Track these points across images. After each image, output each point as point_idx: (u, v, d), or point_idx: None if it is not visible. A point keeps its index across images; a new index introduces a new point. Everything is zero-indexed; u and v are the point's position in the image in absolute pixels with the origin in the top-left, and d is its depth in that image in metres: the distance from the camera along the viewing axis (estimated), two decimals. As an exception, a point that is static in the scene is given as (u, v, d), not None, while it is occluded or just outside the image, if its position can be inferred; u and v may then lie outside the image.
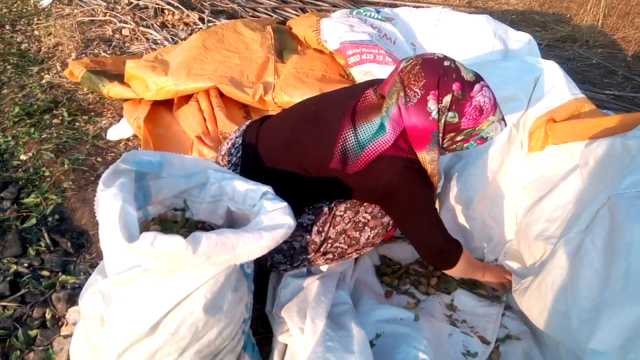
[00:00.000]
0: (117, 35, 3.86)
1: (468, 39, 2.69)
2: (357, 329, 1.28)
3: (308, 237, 1.49)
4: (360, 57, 2.56)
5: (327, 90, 2.53)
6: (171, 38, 3.62)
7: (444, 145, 1.42)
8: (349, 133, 1.40)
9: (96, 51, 3.62)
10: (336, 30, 2.73)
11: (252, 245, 1.09)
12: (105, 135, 2.66)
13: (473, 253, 1.92)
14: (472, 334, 1.55)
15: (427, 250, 1.47)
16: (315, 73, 2.66)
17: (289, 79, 2.60)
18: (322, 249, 1.50)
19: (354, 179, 1.40)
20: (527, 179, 1.91)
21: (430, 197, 1.43)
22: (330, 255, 1.52)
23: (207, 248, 1.04)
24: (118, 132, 2.64)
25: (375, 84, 1.50)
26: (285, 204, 1.21)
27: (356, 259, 1.74)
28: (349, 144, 1.39)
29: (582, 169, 1.58)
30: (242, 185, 1.32)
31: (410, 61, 1.38)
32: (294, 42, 2.93)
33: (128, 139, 2.65)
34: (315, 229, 1.48)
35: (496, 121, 1.39)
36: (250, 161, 1.56)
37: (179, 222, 1.36)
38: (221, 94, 2.57)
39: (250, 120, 1.71)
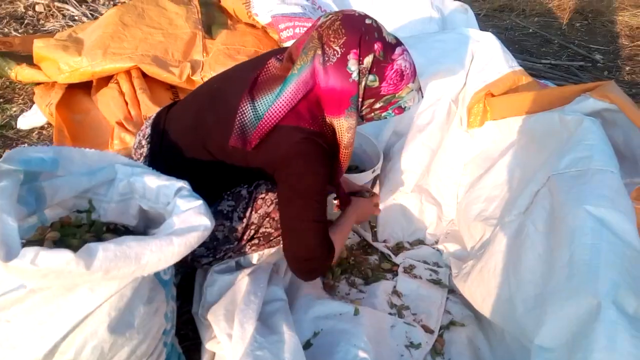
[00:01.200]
0: (30, 12, 3.50)
1: (405, 9, 2.58)
2: (290, 333, 1.18)
3: (229, 225, 1.36)
4: (294, 31, 2.40)
5: (260, 68, 2.42)
6: (90, 14, 3.33)
7: (362, 113, 1.31)
8: (246, 107, 1.27)
9: (6, 30, 3.27)
10: (267, 2, 2.56)
11: (161, 253, 0.95)
12: (16, 124, 2.39)
13: (414, 234, 1.86)
14: (415, 323, 1.48)
15: (296, 251, 1.29)
16: (247, 49, 2.49)
17: (219, 57, 2.42)
18: (245, 236, 1.38)
19: (256, 156, 1.28)
20: (467, 156, 1.85)
21: (325, 183, 1.27)
22: (256, 241, 1.41)
23: (105, 261, 0.89)
24: (30, 120, 2.38)
25: (280, 52, 1.37)
26: (200, 201, 1.07)
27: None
28: (246, 119, 1.26)
29: (520, 145, 1.53)
30: (154, 181, 1.16)
31: (330, 16, 1.26)
32: (223, 16, 2.73)
33: (42, 127, 2.40)
34: (236, 215, 1.36)
35: (415, 90, 1.29)
36: (157, 151, 1.41)
37: (83, 225, 1.20)
38: (145, 75, 2.36)
39: (161, 108, 1.54)
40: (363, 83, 1.23)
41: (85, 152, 1.20)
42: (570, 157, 1.19)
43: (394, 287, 1.64)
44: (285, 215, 1.29)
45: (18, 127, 2.37)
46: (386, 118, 1.35)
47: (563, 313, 0.99)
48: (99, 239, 1.18)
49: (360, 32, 1.21)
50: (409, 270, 1.71)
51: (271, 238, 1.41)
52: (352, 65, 1.20)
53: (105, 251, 0.90)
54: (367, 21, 1.24)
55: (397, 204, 1.85)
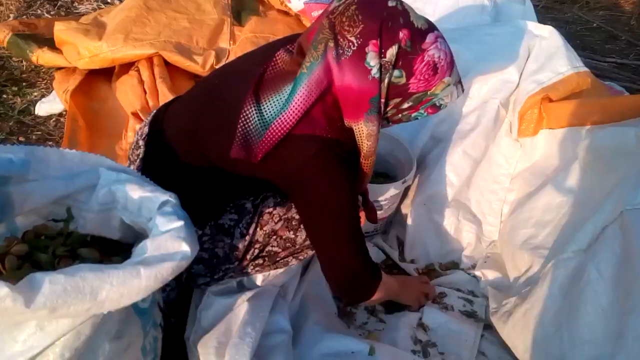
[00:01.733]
0: (64, -7, 3.44)
1: (453, -3, 2.31)
2: (286, 382, 0.99)
3: (230, 242, 1.18)
4: (328, 20, 2.20)
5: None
6: (123, -4, 3.20)
7: (387, 115, 1.11)
8: (251, 111, 1.07)
9: (39, 12, 3.21)
10: (301, -13, 2.36)
11: (124, 288, 0.78)
12: (35, 109, 2.30)
13: (448, 256, 1.63)
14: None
15: (337, 272, 1.14)
16: (276, 38, 2.29)
17: (246, 45, 2.24)
18: (248, 255, 1.20)
19: (263, 168, 1.09)
20: (516, 169, 1.60)
21: (354, 196, 1.11)
22: (261, 261, 1.22)
23: (51, 297, 0.73)
24: (48, 106, 2.28)
25: (291, 41, 1.15)
26: (181, 223, 0.89)
27: (307, 266, 1.44)
28: (251, 125, 1.07)
29: (583, 163, 1.27)
30: (136, 192, 0.99)
31: (344, 0, 1.05)
32: (254, 1, 2.55)
33: (60, 115, 2.29)
34: (238, 231, 1.18)
35: (452, 84, 1.08)
36: (153, 156, 1.24)
37: (58, 237, 1.04)
38: (167, 63, 2.21)
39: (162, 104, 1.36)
40: (386, 80, 1.02)
41: (64, 154, 1.04)
42: (651, 189, 0.94)
43: (420, 318, 1.42)
44: (317, 237, 1.11)
45: (36, 113, 2.28)
46: (417, 119, 1.14)
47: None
48: (75, 254, 1.02)
49: (382, 17, 0.99)
50: (438, 299, 1.48)
51: (277, 259, 1.22)
52: (372, 60, 0.99)
53: (53, 284, 0.73)
54: (390, 3, 1.02)
55: (430, 220, 1.62)
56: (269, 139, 1.04)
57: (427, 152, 1.69)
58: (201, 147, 1.14)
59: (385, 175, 1.73)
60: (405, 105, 1.09)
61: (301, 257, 1.26)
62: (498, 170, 1.63)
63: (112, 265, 0.79)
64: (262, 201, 1.19)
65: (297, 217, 1.20)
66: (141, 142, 1.26)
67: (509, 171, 1.62)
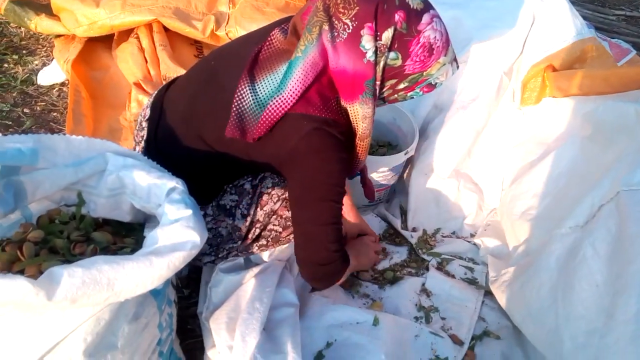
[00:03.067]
0: (58, -48, 3.32)
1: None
2: (293, 355, 1.04)
3: (232, 222, 1.21)
4: (329, -19, 2.14)
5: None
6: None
7: (384, 95, 1.11)
8: (245, 90, 1.07)
9: (33, -28, 3.12)
10: (302, -54, 2.28)
11: (138, 278, 0.82)
12: (37, 79, 2.29)
13: (449, 224, 1.66)
14: (444, 332, 1.33)
15: (310, 255, 1.14)
16: (277, 0, 2.25)
17: (246, 9, 2.20)
18: (250, 235, 1.23)
19: (259, 148, 1.10)
20: (518, 138, 1.61)
21: (343, 180, 1.10)
22: (264, 241, 1.26)
23: (71, 289, 0.77)
24: (50, 75, 2.27)
25: (286, 21, 1.14)
26: (190, 212, 0.92)
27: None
28: (245, 105, 1.07)
29: (583, 135, 1.28)
30: (144, 178, 1.02)
31: None
32: (253, -39, 2.47)
33: (62, 84, 2.28)
34: (239, 212, 1.21)
35: (448, 63, 1.07)
36: (153, 138, 1.25)
37: (70, 222, 1.08)
38: (167, 29, 2.18)
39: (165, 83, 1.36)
40: (382, 63, 1.02)
41: (70, 140, 1.06)
42: (647, 170, 0.96)
43: (423, 284, 1.48)
44: (299, 217, 1.12)
45: (38, 82, 2.27)
46: (413, 98, 1.14)
47: (622, 378, 0.81)
48: (88, 238, 1.06)
49: (376, 0, 0.98)
50: (442, 266, 1.53)
51: (280, 238, 1.26)
52: (367, 43, 0.99)
53: (71, 277, 0.77)
54: None
55: (431, 189, 1.65)
56: (265, 120, 1.05)
57: (429, 121, 1.69)
58: (197, 129, 1.16)
59: (388, 145, 1.74)
60: (401, 86, 1.08)
61: None
62: (500, 139, 1.64)
63: (126, 257, 0.83)
64: (260, 182, 1.21)
65: None
66: (144, 124, 1.27)
67: (511, 140, 1.63)
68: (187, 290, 1.44)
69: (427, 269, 1.53)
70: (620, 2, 3.35)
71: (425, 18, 1.01)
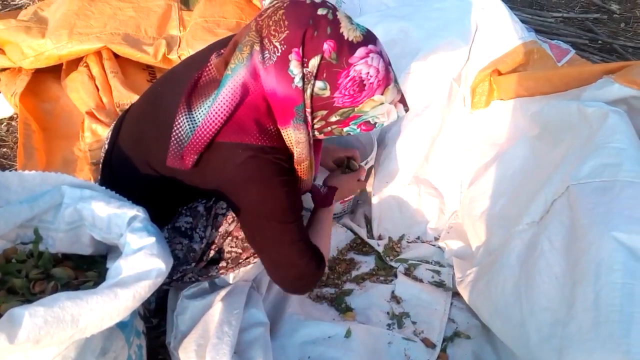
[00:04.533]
0: (-2, -16, 3.25)
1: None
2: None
3: (188, 243, 1.19)
4: (278, -1, 2.17)
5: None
6: (62, -17, 3.04)
7: (316, 126, 1.07)
8: (182, 119, 1.05)
9: (-28, 5, 3.03)
10: (248, -34, 2.30)
11: (104, 311, 0.80)
12: (-17, 115, 2.21)
13: (413, 229, 1.70)
14: (416, 337, 1.35)
15: (279, 275, 1.15)
16: (227, 21, 2.25)
17: (197, 31, 2.19)
18: (205, 257, 1.20)
19: (200, 175, 1.09)
20: (472, 141, 1.66)
21: (291, 200, 1.09)
22: (224, 263, 1.24)
23: (33, 330, 0.74)
24: (-3, 110, 2.20)
25: (226, 43, 1.12)
26: (153, 239, 0.91)
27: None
28: (182, 133, 1.05)
29: (532, 135, 1.34)
30: (104, 209, 1.00)
31: (274, 3, 1.02)
32: (200, -17, 2.47)
33: (11, 118, 2.21)
34: (196, 234, 1.18)
35: (387, 103, 1.03)
36: (108, 161, 1.24)
37: (28, 260, 1.04)
38: (117, 56, 2.15)
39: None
40: (309, 91, 0.99)
41: (23, 176, 1.03)
42: (593, 163, 1.00)
43: (393, 291, 1.50)
44: (257, 244, 1.13)
45: (-15, 118, 2.19)
46: (350, 134, 1.11)
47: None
48: (48, 275, 1.03)
49: (306, 25, 0.96)
50: (409, 271, 1.56)
51: (240, 260, 1.24)
52: (295, 68, 0.97)
53: (33, 317, 0.75)
54: (321, 11, 0.98)
55: (393, 197, 1.68)
56: (195, 142, 1.03)
57: (387, 129, 1.73)
58: (144, 154, 1.15)
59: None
60: (334, 119, 1.05)
61: None
62: (455, 143, 1.69)
63: (90, 291, 0.81)
64: (214, 203, 1.19)
65: None
66: (106, 146, 1.27)
67: (465, 143, 1.68)
68: (156, 320, 1.41)
69: (396, 275, 1.55)
70: (557, 5, 3.52)
71: (360, 52, 0.98)
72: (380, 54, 1.01)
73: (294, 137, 1.04)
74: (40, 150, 1.93)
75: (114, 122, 1.32)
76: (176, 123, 1.06)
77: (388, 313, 1.43)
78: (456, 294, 1.48)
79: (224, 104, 1.01)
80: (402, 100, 1.06)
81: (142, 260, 0.87)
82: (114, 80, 2.05)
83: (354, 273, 1.56)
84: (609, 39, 3.03)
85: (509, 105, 1.54)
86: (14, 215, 1.00)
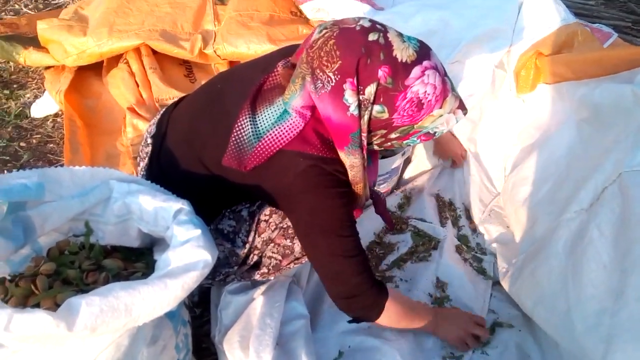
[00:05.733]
0: (40, -16, 3.35)
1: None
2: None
3: (230, 247, 1.20)
4: (312, -10, 2.16)
5: (276, 35, 2.20)
6: (100, -18, 3.12)
7: (376, 142, 1.08)
8: (245, 121, 1.07)
9: (16, 6, 3.14)
10: (281, -42, 2.30)
11: (155, 301, 0.83)
12: (30, 112, 2.30)
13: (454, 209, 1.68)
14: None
15: (333, 289, 1.12)
16: (261, 14, 2.26)
17: (231, 25, 2.21)
18: (248, 260, 1.22)
19: (255, 179, 1.09)
20: (519, 125, 1.63)
21: (348, 213, 1.08)
22: (265, 270, 1.24)
23: (90, 318, 0.78)
24: (43, 107, 2.28)
25: (291, 51, 1.13)
26: (199, 231, 0.93)
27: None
28: (244, 135, 1.07)
29: (581, 119, 1.30)
30: (150, 202, 1.03)
31: (324, 32, 1.01)
32: (234, -23, 2.49)
33: (56, 115, 2.29)
34: (239, 239, 1.20)
35: (446, 113, 1.02)
36: (156, 157, 1.25)
37: (81, 252, 1.08)
38: (155, 52, 2.20)
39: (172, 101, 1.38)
40: (366, 117, 0.99)
41: (74, 172, 1.07)
42: (647, 150, 0.97)
43: (437, 275, 1.47)
44: (311, 255, 1.12)
45: (32, 115, 2.28)
46: (410, 145, 1.12)
47: (637, 356, 0.81)
48: (99, 266, 1.07)
49: (359, 54, 0.95)
50: (459, 250, 1.54)
51: (281, 267, 1.24)
52: (350, 97, 0.97)
53: (90, 306, 0.78)
54: (372, 37, 0.97)
55: (431, 182, 1.67)
56: (259, 152, 1.05)
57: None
58: (198, 151, 1.16)
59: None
60: (394, 136, 1.05)
61: (304, 262, 1.28)
62: (503, 127, 1.66)
63: (142, 281, 0.84)
64: (258, 208, 1.20)
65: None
66: (150, 140, 1.28)
67: (514, 128, 1.65)
68: (199, 310, 1.45)
69: (435, 247, 1.54)
70: (599, -14, 3.39)
71: (415, 72, 0.97)
72: (436, 68, 1.00)
73: (348, 162, 1.05)
74: (85, 146, 1.99)
75: (157, 117, 1.34)
76: (238, 124, 1.07)
77: (431, 295, 1.42)
78: (496, 284, 1.46)
79: (295, 122, 1.03)
80: (461, 105, 1.05)
81: (189, 251, 0.89)
82: (153, 75, 2.10)
83: (393, 257, 1.54)
84: (654, 21, 2.90)
85: (556, 88, 1.50)
86: (66, 209, 1.04)
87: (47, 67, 2.34)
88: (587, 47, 1.52)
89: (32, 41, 2.36)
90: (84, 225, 1.10)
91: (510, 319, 1.35)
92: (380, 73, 0.96)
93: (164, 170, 1.23)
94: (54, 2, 3.14)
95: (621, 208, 0.97)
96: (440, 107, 1.00)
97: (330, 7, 2.11)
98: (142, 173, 1.32)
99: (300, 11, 2.30)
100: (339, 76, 0.97)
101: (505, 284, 1.33)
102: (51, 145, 2.15)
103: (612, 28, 2.16)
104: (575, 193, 1.14)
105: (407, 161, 1.71)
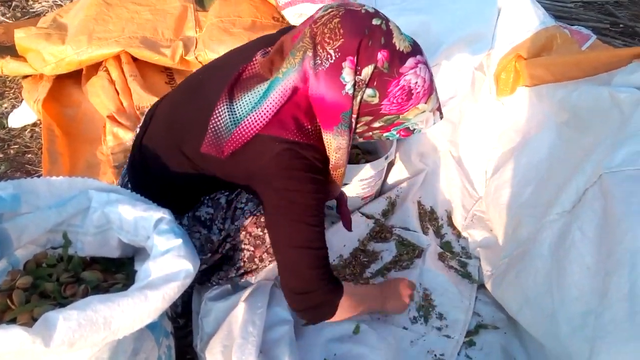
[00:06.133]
0: (17, -8, 3.30)
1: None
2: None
3: (206, 234, 1.20)
4: (293, -4, 2.16)
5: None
6: (78, -11, 3.09)
7: (357, 130, 1.09)
8: (223, 109, 1.08)
9: (-7, 15, 3.09)
10: (262, -36, 2.30)
11: (135, 313, 0.81)
12: (7, 122, 2.26)
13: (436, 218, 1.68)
14: (441, 335, 1.33)
15: (289, 282, 1.09)
16: (243, 20, 2.25)
17: (213, 31, 2.20)
18: (221, 250, 1.21)
19: (233, 165, 1.09)
20: (499, 128, 1.64)
21: (318, 201, 1.07)
22: (241, 263, 1.23)
23: (67, 333, 0.75)
24: (21, 117, 2.23)
25: (271, 42, 1.14)
26: (180, 241, 0.91)
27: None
28: (222, 122, 1.07)
29: (560, 121, 1.31)
30: (130, 212, 1.01)
31: (329, 11, 1.03)
32: (214, -17, 2.48)
33: (34, 124, 2.25)
34: (215, 226, 1.20)
35: (428, 111, 1.06)
36: (137, 146, 1.25)
37: (58, 264, 1.06)
38: (135, 59, 2.17)
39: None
40: (359, 97, 1.01)
41: (51, 182, 1.04)
42: (626, 151, 0.98)
43: (420, 282, 1.47)
44: (274, 239, 1.11)
45: (9, 125, 2.23)
46: (389, 139, 1.14)
47: (621, 357, 0.82)
48: (78, 278, 1.05)
49: (362, 35, 0.98)
50: (442, 257, 1.54)
51: (255, 259, 1.23)
52: (347, 75, 0.99)
53: (67, 321, 0.76)
54: (375, 21, 1.00)
55: (414, 187, 1.66)
56: (237, 137, 1.05)
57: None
58: (177, 139, 1.15)
59: (367, 153, 1.75)
60: (377, 125, 1.07)
61: None
62: (483, 130, 1.67)
63: (121, 293, 0.82)
64: (236, 196, 1.21)
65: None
66: (138, 130, 1.29)
67: (492, 130, 1.66)
68: (182, 320, 1.42)
69: (419, 256, 1.54)
70: (577, -11, 3.45)
71: (410, 62, 1.01)
72: (426, 64, 1.04)
73: (335, 143, 1.06)
74: (64, 155, 1.95)
75: (149, 108, 1.35)
76: (216, 111, 1.08)
77: (415, 302, 1.42)
78: (481, 287, 1.47)
79: (273, 105, 1.04)
80: (439, 108, 1.09)
81: (170, 262, 0.88)
82: (134, 83, 2.07)
83: (377, 266, 1.53)
84: (631, 22, 2.96)
85: (535, 91, 1.51)
86: (43, 220, 1.02)
87: (25, 76, 2.30)
88: (566, 49, 1.54)
89: (10, 50, 2.32)
90: (62, 237, 1.07)
91: (495, 321, 1.35)
92: (380, 56, 0.99)
93: (146, 157, 1.22)
94: (32, 10, 3.10)
95: (603, 209, 0.98)
96: (426, 103, 1.04)
97: (311, 13, 2.10)
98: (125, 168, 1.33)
99: (283, 17, 2.29)
100: (339, 54, 0.98)
101: (490, 287, 1.34)
102: (29, 155, 2.11)
103: (591, 30, 2.19)
104: (557, 195, 1.14)
105: (391, 165, 1.71)
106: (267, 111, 1.04)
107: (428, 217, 1.68)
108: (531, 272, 1.14)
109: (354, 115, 1.03)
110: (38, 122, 2.23)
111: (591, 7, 3.17)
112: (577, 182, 1.08)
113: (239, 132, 1.05)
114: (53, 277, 1.03)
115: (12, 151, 2.12)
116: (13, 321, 0.91)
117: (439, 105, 1.08)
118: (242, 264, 1.23)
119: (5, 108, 2.35)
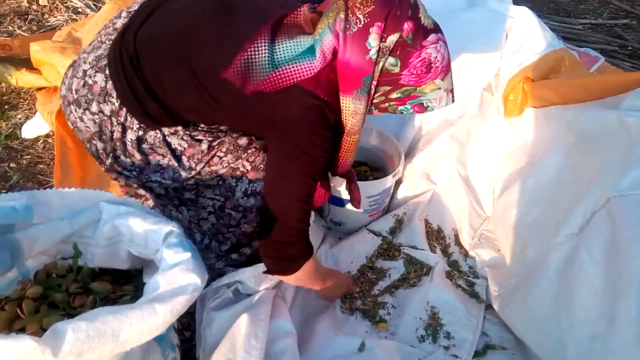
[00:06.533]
0: (34, 7, 3.38)
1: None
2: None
3: (175, 164, 1.22)
4: None
5: None
6: (94, 4, 3.17)
7: (375, 100, 1.13)
8: (262, 45, 1.07)
9: (10, 28, 3.16)
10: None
11: (143, 326, 0.81)
12: (20, 133, 2.29)
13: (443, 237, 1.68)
14: (446, 351, 1.32)
15: (274, 230, 1.12)
16: None
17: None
18: (186, 188, 1.25)
19: (252, 102, 1.10)
20: (507, 149, 1.65)
21: (325, 159, 1.12)
22: (213, 219, 1.26)
23: (76, 344, 0.76)
24: (34, 128, 2.27)
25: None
26: (189, 254, 0.92)
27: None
28: (258, 58, 1.07)
29: (569, 143, 1.31)
30: (140, 225, 1.02)
31: None
32: None
33: (47, 136, 2.29)
34: (188, 162, 1.22)
35: (443, 89, 1.10)
36: (131, 36, 1.16)
37: (68, 275, 1.07)
38: (148, 73, 2.20)
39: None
40: (381, 64, 1.05)
41: (64, 193, 1.06)
42: (634, 175, 0.98)
43: (427, 300, 1.46)
44: (274, 187, 1.13)
45: (22, 136, 2.27)
46: (402, 113, 1.17)
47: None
48: (87, 289, 1.06)
49: (392, 4, 1.02)
50: (450, 276, 1.53)
51: (225, 209, 1.26)
52: (373, 41, 1.03)
53: (76, 332, 0.77)
54: None
55: (421, 204, 1.67)
56: (273, 80, 1.06)
57: (415, 143, 1.72)
58: (189, 52, 1.12)
59: (376, 170, 1.76)
60: (394, 96, 1.11)
61: (247, 219, 1.30)
62: (490, 150, 1.67)
63: (130, 306, 0.82)
64: (218, 145, 1.23)
65: (242, 168, 1.26)
66: (124, 14, 1.24)
67: (500, 150, 1.66)
68: (188, 333, 1.43)
69: (427, 273, 1.53)
70: (585, 11, 3.47)
71: (432, 37, 1.06)
72: (446, 44, 1.09)
73: (353, 107, 1.09)
74: (75, 167, 1.98)
75: (138, 6, 1.24)
76: (254, 45, 1.07)
77: (423, 321, 1.41)
78: (489, 307, 1.46)
79: (318, 63, 1.06)
80: (452, 91, 1.14)
81: (178, 275, 0.88)
82: (146, 97, 2.10)
83: (385, 283, 1.53)
84: (640, 45, 2.97)
85: (544, 112, 1.52)
86: (55, 231, 1.03)
87: (39, 88, 2.34)
88: (574, 72, 1.55)
89: (25, 62, 2.37)
90: (73, 248, 1.09)
91: (503, 342, 1.34)
92: (405, 26, 1.03)
93: (136, 52, 1.15)
94: (48, 24, 3.16)
95: (611, 233, 0.98)
96: (442, 80, 1.09)
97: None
98: (100, 39, 1.24)
99: None
100: (368, 19, 1.02)
101: (497, 308, 1.33)
102: (41, 166, 2.14)
103: (600, 52, 2.20)
104: (565, 217, 1.15)
105: (398, 182, 1.71)
106: (310, 69, 1.06)
107: (435, 235, 1.68)
108: (538, 294, 1.14)
109: (374, 82, 1.07)
110: (51, 133, 2.27)
111: (600, 29, 3.19)
112: (585, 205, 1.08)
113: (277, 76, 1.06)
114: (62, 288, 1.04)
115: (24, 161, 2.15)
116: (22, 330, 0.93)
117: (453, 87, 1.12)
118: (215, 219, 1.28)
119: (19, 119, 2.39)
